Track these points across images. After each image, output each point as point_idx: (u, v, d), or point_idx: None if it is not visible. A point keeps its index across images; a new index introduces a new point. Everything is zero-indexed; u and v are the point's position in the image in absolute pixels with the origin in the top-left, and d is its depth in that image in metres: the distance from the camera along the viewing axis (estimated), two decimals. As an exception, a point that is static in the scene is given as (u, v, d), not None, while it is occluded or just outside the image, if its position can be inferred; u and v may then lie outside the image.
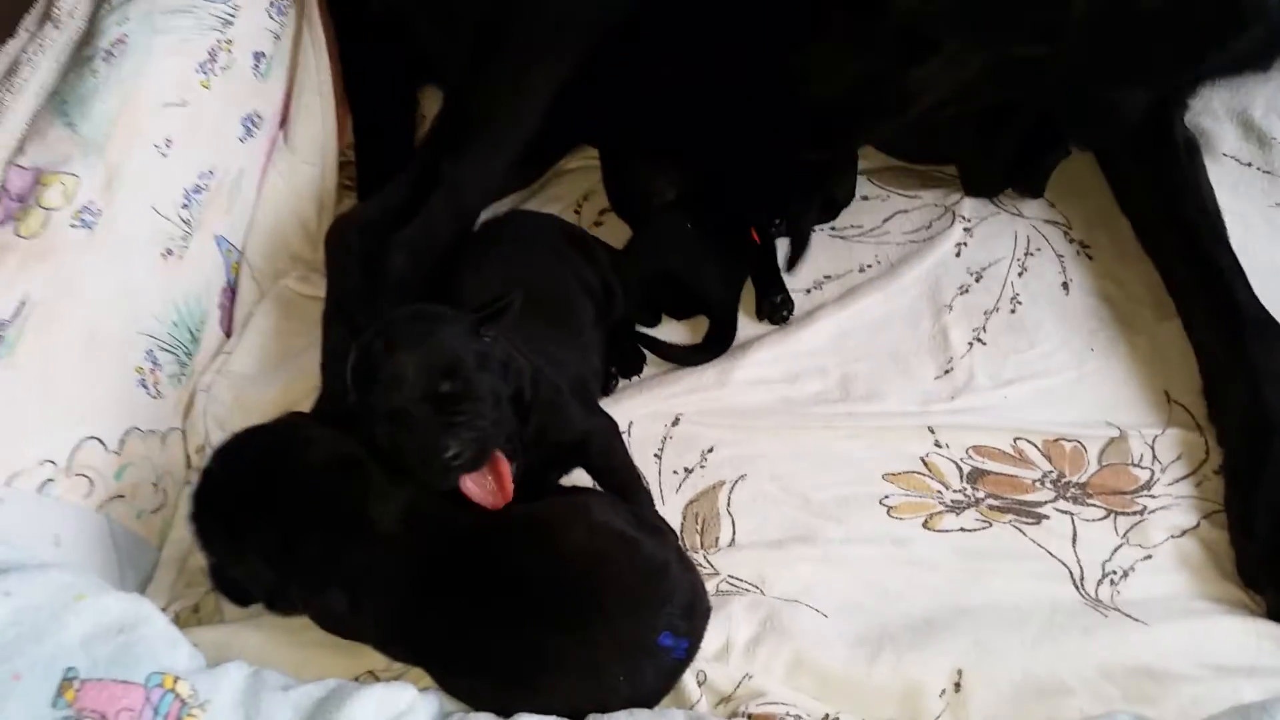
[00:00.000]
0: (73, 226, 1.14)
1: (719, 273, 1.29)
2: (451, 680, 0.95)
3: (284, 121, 1.45)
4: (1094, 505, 1.16)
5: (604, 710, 0.91)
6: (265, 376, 1.25)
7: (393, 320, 0.99)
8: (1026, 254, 1.38)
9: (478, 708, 0.93)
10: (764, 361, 1.26)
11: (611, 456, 1.09)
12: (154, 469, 1.13)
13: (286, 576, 0.95)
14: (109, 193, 1.19)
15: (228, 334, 1.31)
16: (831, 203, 1.41)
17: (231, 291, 1.33)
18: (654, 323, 1.31)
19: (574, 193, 1.45)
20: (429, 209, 1.22)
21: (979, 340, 1.29)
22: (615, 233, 1.39)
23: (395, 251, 1.20)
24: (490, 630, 0.92)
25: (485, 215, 1.34)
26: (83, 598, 0.85)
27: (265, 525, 0.95)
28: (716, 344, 1.27)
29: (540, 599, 0.91)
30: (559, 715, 0.90)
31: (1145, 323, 1.31)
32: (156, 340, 1.19)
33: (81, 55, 1.28)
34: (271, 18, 1.43)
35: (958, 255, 1.37)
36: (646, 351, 1.28)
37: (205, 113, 1.30)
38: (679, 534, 1.13)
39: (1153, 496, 1.16)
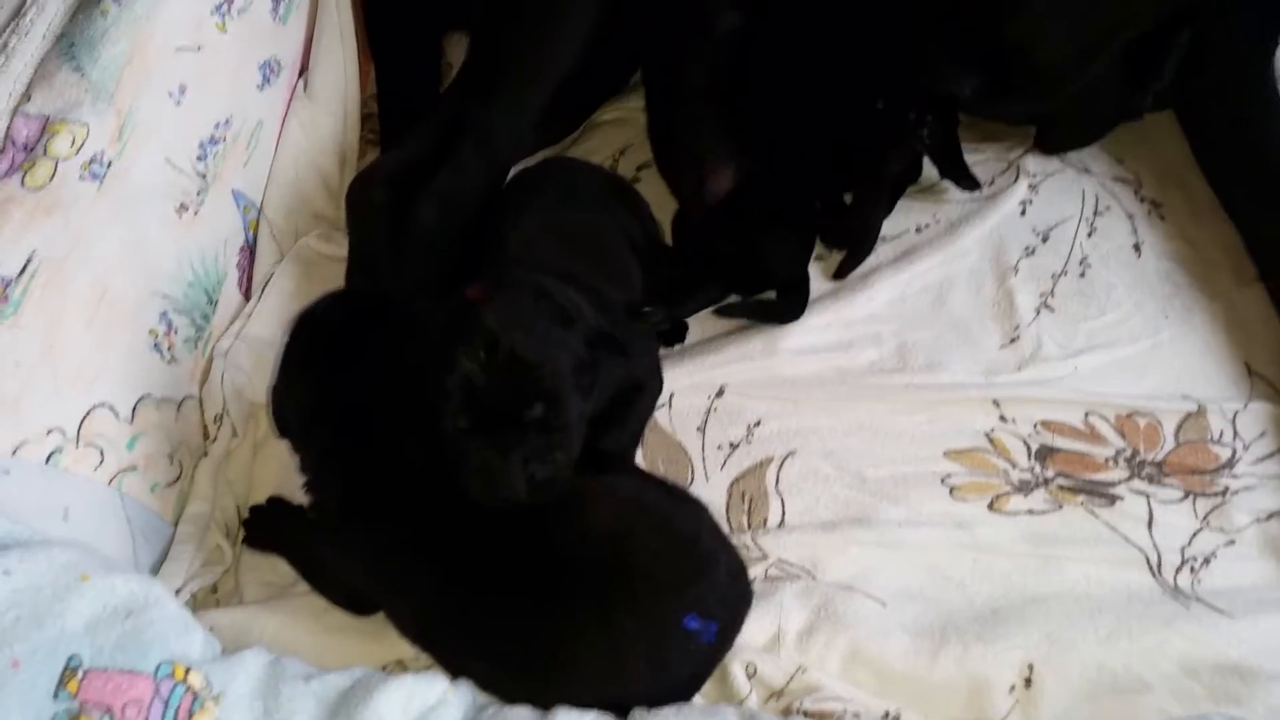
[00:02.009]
0: (81, 179, 1.07)
1: (786, 252, 1.20)
2: (462, 665, 0.88)
3: (303, 69, 1.37)
4: (1171, 486, 1.08)
5: (629, 700, 0.84)
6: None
7: (514, 301, 0.88)
8: (1095, 213, 1.29)
9: (502, 697, 0.86)
10: (815, 328, 1.18)
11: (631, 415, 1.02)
12: (169, 439, 1.07)
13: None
14: (119, 143, 1.12)
15: (246, 296, 1.24)
16: (900, 183, 1.30)
17: (250, 251, 1.26)
18: (679, 340, 1.21)
19: (610, 146, 1.37)
20: (458, 157, 1.15)
21: (1046, 306, 1.21)
22: (654, 188, 1.30)
23: (424, 204, 1.12)
24: (507, 612, 0.85)
25: (518, 168, 1.27)
26: (87, 578, 0.78)
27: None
28: (797, 301, 1.18)
29: (561, 579, 0.84)
30: (581, 706, 0.83)
31: (1223, 288, 1.22)
32: (171, 300, 1.12)
33: (91, -5, 1.21)
34: (289, -40, 1.35)
35: (1022, 214, 1.28)
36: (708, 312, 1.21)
37: (221, 58, 1.23)
38: (725, 513, 1.06)
39: (1235, 476, 1.08)
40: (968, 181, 1.28)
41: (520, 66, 1.17)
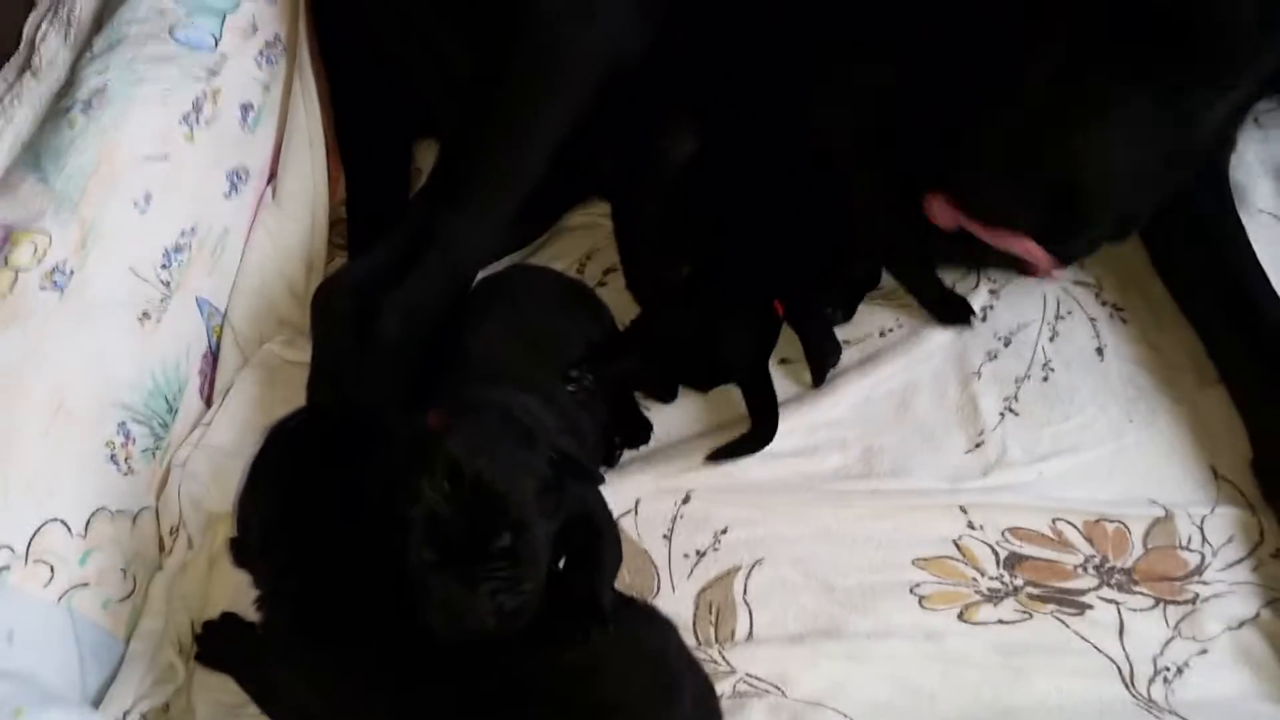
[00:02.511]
0: (42, 289, 1.07)
1: (741, 338, 1.19)
2: None
3: (272, 176, 1.37)
4: (1141, 593, 1.07)
5: None
6: (245, 451, 1.13)
7: (478, 427, 0.86)
8: (1057, 317, 1.30)
9: None
10: (781, 433, 1.17)
11: (605, 532, 0.99)
12: (123, 553, 1.04)
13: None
14: (82, 252, 1.12)
15: (208, 403, 1.23)
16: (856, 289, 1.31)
17: (213, 357, 1.25)
18: (670, 398, 1.22)
19: (577, 251, 1.37)
20: (423, 267, 1.15)
21: (1011, 410, 1.21)
22: (621, 294, 1.30)
23: (387, 315, 1.12)
24: None
25: (483, 273, 1.27)
26: (21, 712, 0.76)
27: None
28: (765, 424, 1.16)
29: (525, 710, 0.82)
30: None
31: (1187, 391, 1.22)
32: (130, 410, 1.11)
33: (59, 106, 1.22)
34: (260, 67, 1.37)
35: (984, 319, 1.29)
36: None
37: (188, 167, 1.24)
38: (692, 625, 1.04)
39: (1205, 583, 1.07)
40: (957, 311, 1.27)
41: (488, 177, 1.18)
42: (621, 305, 1.29)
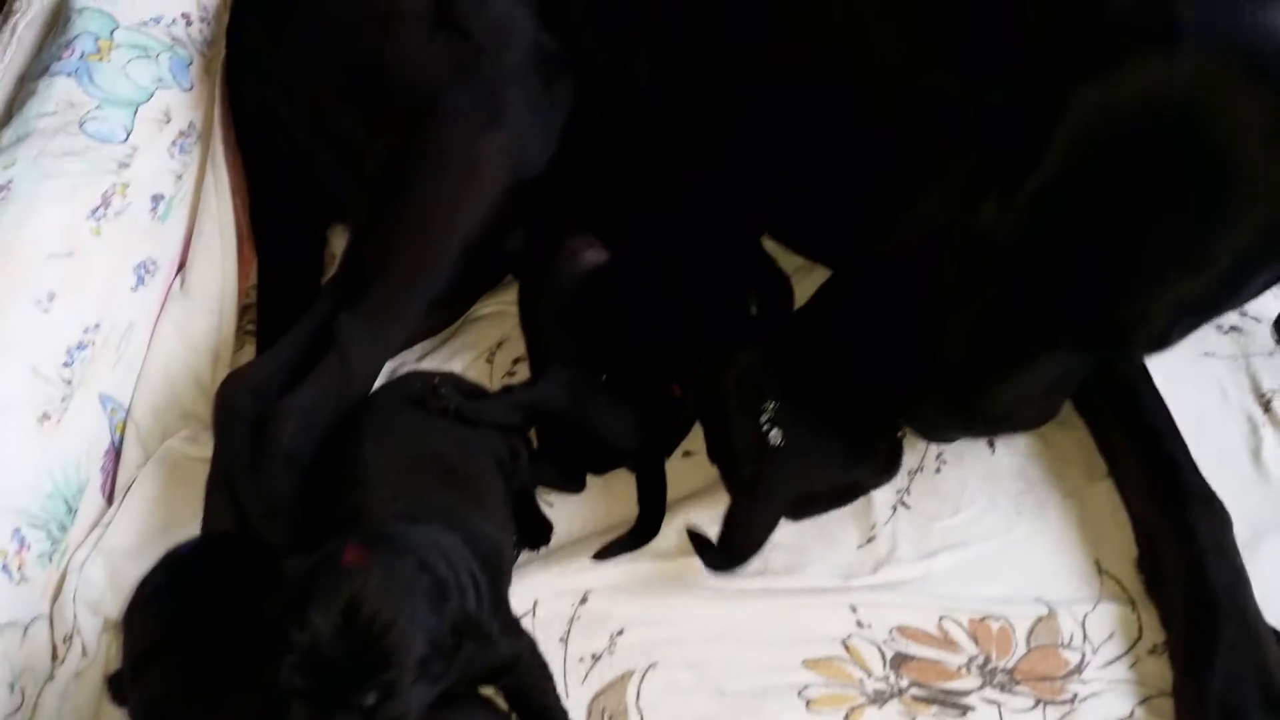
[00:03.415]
0: (-63, 396, 1.07)
1: (623, 419, 1.21)
2: None
3: (182, 265, 1.38)
4: (1022, 694, 1.10)
5: None
6: (145, 552, 1.15)
7: (392, 572, 0.85)
8: (953, 408, 1.33)
9: None
10: (679, 527, 1.19)
11: (531, 689, 1.01)
12: (11, 667, 1.04)
13: None
14: (-19, 353, 1.12)
15: (109, 500, 1.23)
16: None
17: (115, 453, 1.25)
18: (579, 488, 1.23)
19: (486, 340, 1.38)
20: (320, 371, 1.16)
21: (903, 504, 1.24)
22: (529, 384, 1.32)
23: (281, 420, 1.13)
24: None
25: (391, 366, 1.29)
26: None
27: None
28: (648, 524, 1.18)
29: None
30: None
31: (1075, 483, 1.25)
32: (26, 515, 1.11)
33: (-38, 205, 1.22)
34: (173, 157, 1.38)
35: (882, 409, 1.32)
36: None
37: (94, 262, 1.24)
38: (583, 734, 1.06)
39: (1084, 682, 1.10)
40: None
41: (391, 282, 1.20)
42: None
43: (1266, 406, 1.32)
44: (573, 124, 1.29)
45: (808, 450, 1.12)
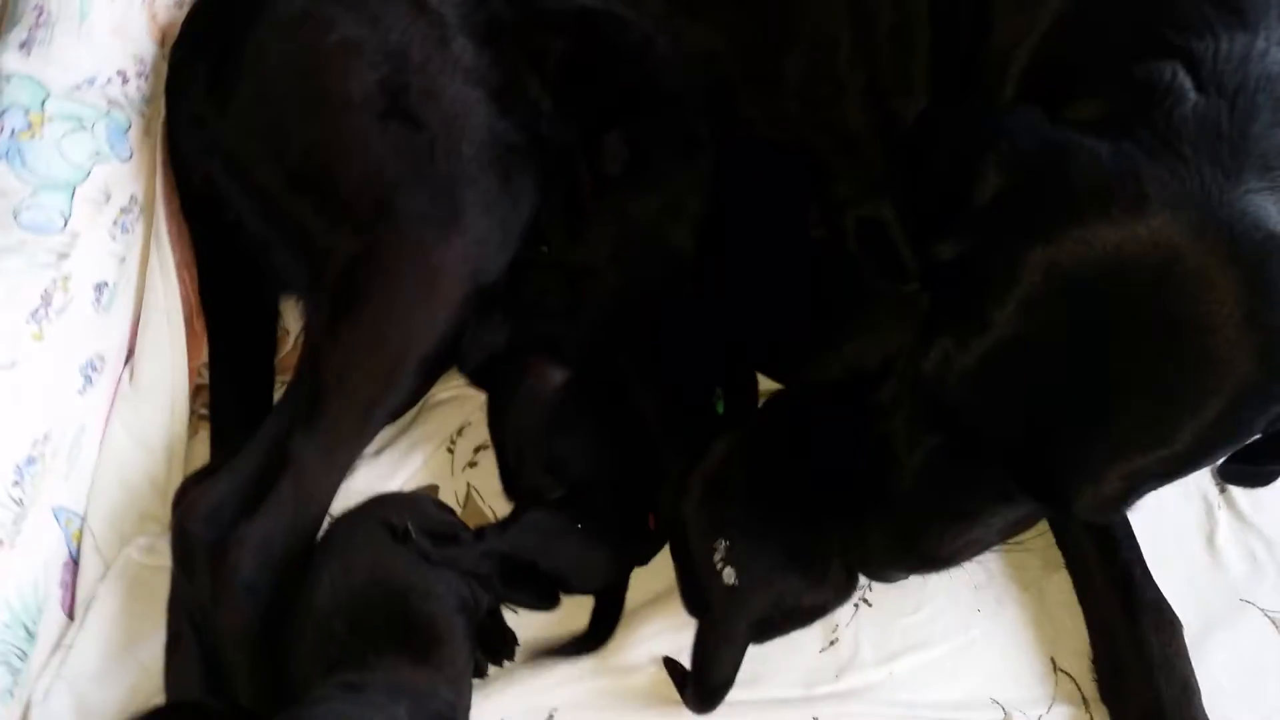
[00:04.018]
0: (-120, 542, 1.05)
1: (605, 562, 1.21)
2: None
3: (129, 353, 1.34)
4: (976, 804, 1.13)
5: None
6: (109, 675, 1.15)
7: None
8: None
9: None
10: (643, 638, 1.20)
11: None
12: (-22, 820, 1.05)
13: None
14: (-76, 484, 1.09)
15: (70, 615, 1.21)
16: None
17: (74, 564, 1.23)
18: (553, 605, 1.23)
19: (446, 428, 1.36)
20: (276, 497, 1.13)
21: (865, 601, 1.25)
22: (492, 477, 1.31)
23: (238, 552, 1.11)
24: None
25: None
26: None
27: None
28: (600, 631, 1.20)
29: None
30: None
31: (1033, 575, 1.28)
32: (-16, 651, 1.10)
33: (-108, 323, 1.17)
34: (114, 239, 1.32)
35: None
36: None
37: (38, 370, 1.20)
38: None
39: (1036, 788, 1.14)
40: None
41: (348, 401, 1.17)
42: (495, 490, 1.30)
43: (1223, 489, 1.35)
44: (535, 217, 1.25)
45: (766, 584, 1.12)
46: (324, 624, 1.06)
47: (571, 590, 1.22)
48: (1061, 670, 1.22)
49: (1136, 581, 1.19)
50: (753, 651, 1.20)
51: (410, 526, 1.10)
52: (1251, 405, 0.85)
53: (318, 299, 1.24)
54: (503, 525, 1.21)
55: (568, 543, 1.19)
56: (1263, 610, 1.27)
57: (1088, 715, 1.19)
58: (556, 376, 1.25)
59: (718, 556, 1.12)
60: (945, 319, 0.94)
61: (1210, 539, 1.31)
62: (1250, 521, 1.33)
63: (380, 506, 1.19)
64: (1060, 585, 1.27)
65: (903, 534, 1.05)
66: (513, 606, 1.24)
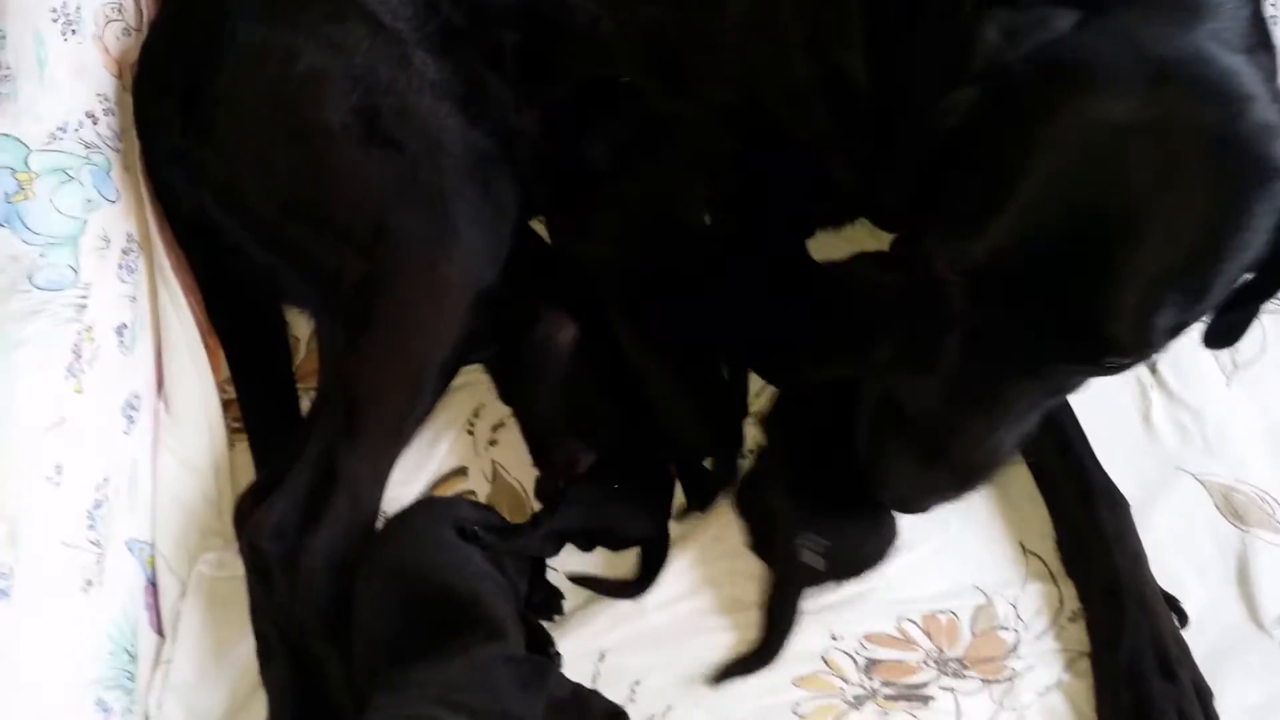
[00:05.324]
0: (-12, 600, 1.15)
1: (645, 513, 1.36)
2: None
3: (160, 383, 1.44)
4: (971, 677, 1.33)
5: None
6: (209, 681, 1.30)
7: None
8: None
9: None
10: (673, 573, 1.36)
11: None
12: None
13: None
14: (14, 548, 1.19)
15: (160, 632, 1.34)
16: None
17: (153, 587, 1.36)
18: (589, 547, 1.38)
19: (462, 413, 1.48)
20: (333, 510, 1.26)
21: (857, 513, 1.42)
22: (513, 451, 1.45)
23: (310, 564, 1.24)
24: None
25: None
26: None
27: None
28: (648, 575, 1.35)
29: None
30: None
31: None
32: (100, 682, 1.22)
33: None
34: (123, 281, 1.40)
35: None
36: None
37: (85, 420, 1.29)
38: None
39: (1019, 658, 1.33)
40: None
41: (383, 411, 1.29)
42: (518, 462, 1.44)
43: (1153, 369, 1.52)
44: (520, 219, 1.35)
45: (848, 565, 1.31)
46: (380, 626, 1.20)
47: (619, 546, 1.37)
48: (1031, 552, 1.41)
49: (1089, 470, 1.37)
50: (762, 569, 1.38)
51: (477, 529, 1.23)
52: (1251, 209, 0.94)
53: (332, 318, 1.34)
54: (550, 508, 1.35)
55: (610, 505, 1.34)
56: (1193, 474, 1.46)
57: (1056, 588, 1.38)
58: (570, 330, 1.37)
59: (803, 544, 1.27)
60: (961, 208, 1.01)
61: (1146, 417, 1.50)
62: (1179, 397, 1.51)
63: (426, 507, 1.33)
64: (1020, 477, 1.44)
65: (931, 451, 1.14)
66: (552, 565, 1.39)
